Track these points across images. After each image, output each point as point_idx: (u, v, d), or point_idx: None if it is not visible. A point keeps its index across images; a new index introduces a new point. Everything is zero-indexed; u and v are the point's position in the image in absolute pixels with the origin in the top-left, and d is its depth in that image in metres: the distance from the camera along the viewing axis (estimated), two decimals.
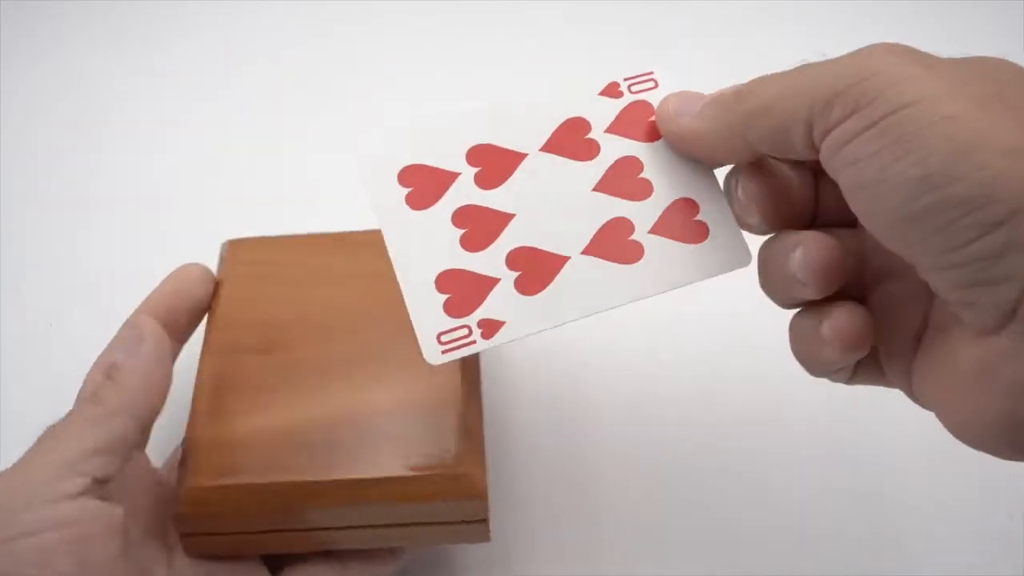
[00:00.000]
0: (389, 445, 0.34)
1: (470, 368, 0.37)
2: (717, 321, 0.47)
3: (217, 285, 0.40)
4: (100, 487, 0.31)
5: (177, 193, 0.53)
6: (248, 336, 0.37)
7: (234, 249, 0.41)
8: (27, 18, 0.60)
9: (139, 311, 0.38)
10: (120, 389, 0.33)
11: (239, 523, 0.34)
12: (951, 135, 0.23)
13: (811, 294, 0.29)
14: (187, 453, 0.34)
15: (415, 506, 0.33)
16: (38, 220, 0.51)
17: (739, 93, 0.29)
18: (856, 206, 0.26)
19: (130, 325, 0.35)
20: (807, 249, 0.28)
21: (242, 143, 0.55)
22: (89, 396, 0.33)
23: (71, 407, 0.33)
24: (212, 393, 0.36)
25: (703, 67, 0.61)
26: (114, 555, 0.30)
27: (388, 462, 0.33)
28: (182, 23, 0.61)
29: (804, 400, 0.44)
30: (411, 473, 0.33)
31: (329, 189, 0.52)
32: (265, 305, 0.38)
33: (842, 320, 0.28)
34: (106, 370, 0.34)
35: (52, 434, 0.32)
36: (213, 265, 0.41)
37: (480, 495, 0.33)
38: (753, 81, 0.29)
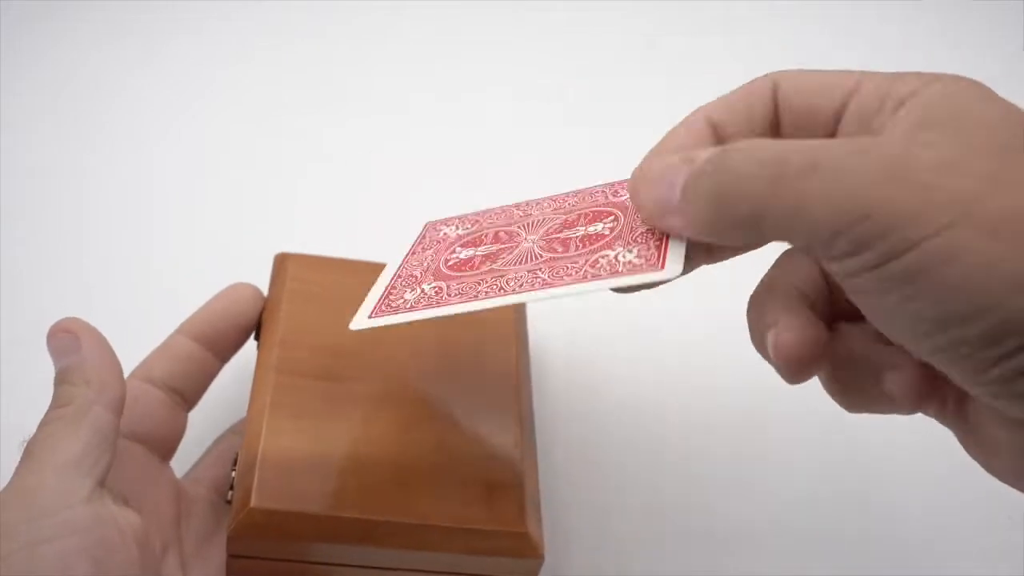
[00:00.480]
0: (454, 493, 0.34)
1: (527, 422, 0.37)
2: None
3: (273, 300, 0.39)
4: (103, 490, 0.31)
5: (184, 199, 0.53)
6: (313, 361, 0.36)
7: (289, 264, 0.40)
8: (39, 13, 0.60)
9: (183, 330, 0.38)
10: (81, 385, 0.32)
11: (293, 551, 0.33)
12: (965, 275, 0.22)
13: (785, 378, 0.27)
14: (246, 471, 0.33)
15: (472, 558, 0.33)
16: (40, 224, 0.51)
17: (715, 175, 0.25)
18: (870, 320, 0.25)
19: (59, 330, 0.34)
20: (778, 333, 0.26)
21: (256, 152, 0.55)
22: (54, 406, 0.32)
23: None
24: (274, 413, 0.35)
25: (701, 65, 0.61)
26: (131, 562, 0.30)
27: (454, 511, 0.33)
28: (199, 23, 0.61)
29: (806, 407, 0.44)
30: (476, 526, 0.33)
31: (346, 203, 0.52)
32: (328, 330, 0.37)
33: (908, 378, 0.26)
34: (58, 379, 0.33)
35: (39, 445, 0.31)
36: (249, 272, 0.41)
37: (538, 555, 0.33)
38: (729, 153, 0.25)
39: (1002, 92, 0.25)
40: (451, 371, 0.37)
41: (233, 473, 0.34)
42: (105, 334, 0.34)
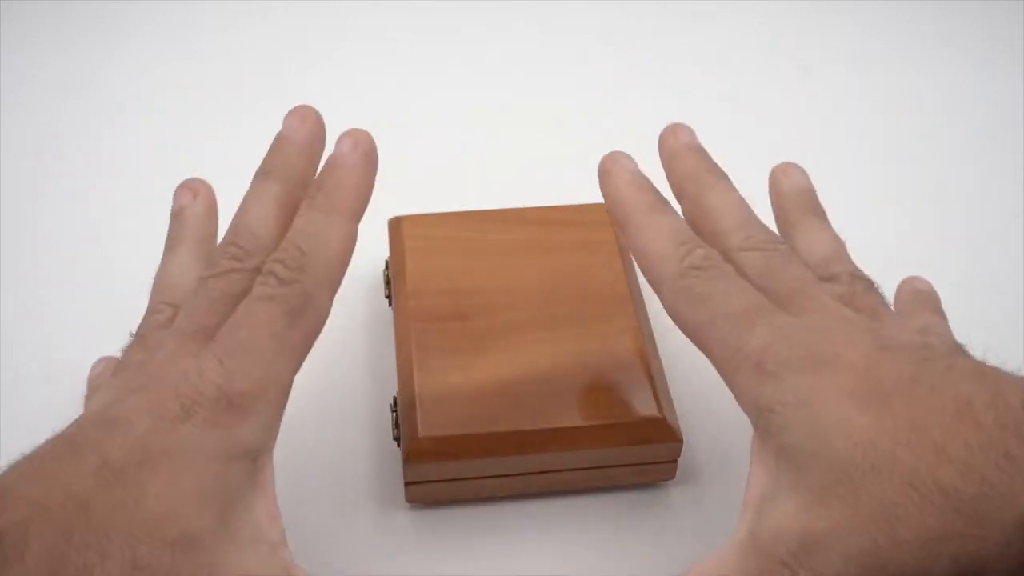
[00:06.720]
0: (592, 396, 0.38)
1: (645, 328, 0.41)
2: None
3: (397, 259, 0.43)
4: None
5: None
6: (443, 305, 0.41)
7: (405, 224, 0.45)
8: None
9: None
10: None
11: (459, 471, 0.38)
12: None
13: None
14: (408, 408, 0.38)
15: (618, 450, 0.37)
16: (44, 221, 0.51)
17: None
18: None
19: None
20: None
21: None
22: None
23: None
24: (420, 354, 0.39)
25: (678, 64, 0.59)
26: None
27: (595, 411, 0.38)
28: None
29: None
30: (618, 420, 0.37)
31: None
32: (451, 276, 0.42)
33: None
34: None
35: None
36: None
37: (677, 438, 0.38)
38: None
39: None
40: (566, 294, 0.41)
41: (394, 414, 0.38)
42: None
